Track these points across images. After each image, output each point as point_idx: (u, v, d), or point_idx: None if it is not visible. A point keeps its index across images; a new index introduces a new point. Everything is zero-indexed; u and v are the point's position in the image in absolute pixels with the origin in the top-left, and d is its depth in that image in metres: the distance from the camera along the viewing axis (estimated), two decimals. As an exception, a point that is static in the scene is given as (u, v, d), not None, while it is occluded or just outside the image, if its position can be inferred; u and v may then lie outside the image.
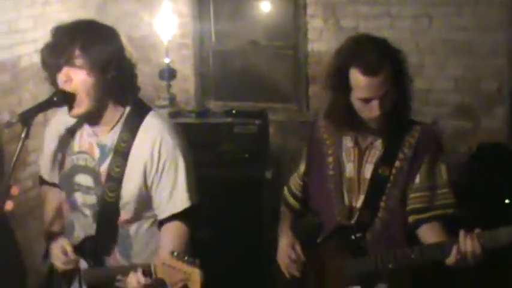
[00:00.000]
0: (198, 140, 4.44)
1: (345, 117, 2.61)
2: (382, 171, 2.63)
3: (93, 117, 2.61)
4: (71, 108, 2.53)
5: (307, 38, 5.36)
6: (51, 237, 2.81)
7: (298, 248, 2.85)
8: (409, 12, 5.08)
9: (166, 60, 5.06)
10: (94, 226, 2.70)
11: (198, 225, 2.71)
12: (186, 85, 5.64)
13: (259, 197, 4.53)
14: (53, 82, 2.56)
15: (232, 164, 4.56)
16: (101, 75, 2.50)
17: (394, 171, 2.62)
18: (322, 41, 5.23)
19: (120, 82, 2.56)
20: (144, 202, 2.63)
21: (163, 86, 5.12)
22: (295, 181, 2.99)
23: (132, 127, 2.61)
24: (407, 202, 2.63)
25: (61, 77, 2.49)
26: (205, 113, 4.91)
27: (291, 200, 3.01)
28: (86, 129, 2.68)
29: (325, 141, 2.80)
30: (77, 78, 2.47)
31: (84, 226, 2.73)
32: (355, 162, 2.69)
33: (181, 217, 2.61)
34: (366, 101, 2.52)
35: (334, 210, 2.72)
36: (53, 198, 2.93)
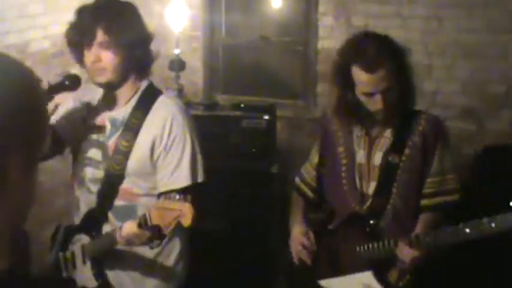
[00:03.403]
0: (205, 132, 4.42)
1: (352, 111, 2.74)
2: (392, 158, 2.74)
3: (112, 88, 2.72)
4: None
5: (317, 35, 5.36)
6: None
7: (311, 236, 2.95)
8: (419, 13, 5.08)
9: (176, 51, 5.07)
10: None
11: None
12: (194, 77, 5.66)
13: (266, 190, 4.55)
14: (79, 60, 2.69)
15: (239, 157, 4.57)
16: (127, 53, 2.62)
17: (404, 158, 2.74)
18: (332, 38, 5.23)
19: (143, 57, 2.70)
20: (148, 176, 2.71)
21: (172, 77, 5.13)
22: (308, 171, 3.08)
23: (145, 105, 2.72)
24: (423, 187, 2.76)
25: (90, 57, 2.61)
26: (213, 106, 4.93)
27: (305, 190, 3.09)
28: (99, 103, 2.80)
29: (336, 132, 2.90)
30: (105, 58, 2.60)
31: (88, 203, 2.80)
32: (366, 149, 2.79)
33: (180, 193, 2.68)
34: (369, 95, 2.63)
35: (348, 197, 2.82)
36: None
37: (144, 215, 2.38)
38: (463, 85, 5.08)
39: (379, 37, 2.72)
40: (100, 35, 2.57)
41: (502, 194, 4.25)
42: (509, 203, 4.16)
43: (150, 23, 5.44)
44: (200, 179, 2.74)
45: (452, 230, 2.48)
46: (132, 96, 2.74)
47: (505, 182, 4.30)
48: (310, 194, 3.08)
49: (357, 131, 2.82)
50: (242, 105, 4.77)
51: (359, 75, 2.62)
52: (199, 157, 2.74)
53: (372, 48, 2.60)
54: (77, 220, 2.85)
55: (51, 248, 2.87)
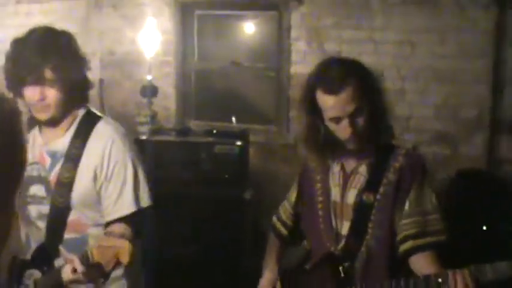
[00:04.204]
0: (177, 158, 4.43)
1: (322, 141, 2.59)
2: (366, 197, 2.57)
3: (53, 121, 2.65)
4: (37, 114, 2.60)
5: (290, 61, 5.36)
6: None
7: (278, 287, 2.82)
8: (392, 38, 5.11)
9: (149, 77, 5.03)
10: None
11: (144, 230, 2.74)
12: (166, 103, 5.62)
13: (239, 216, 4.52)
14: (18, 94, 2.58)
15: (211, 183, 4.54)
16: (70, 87, 2.58)
17: (378, 197, 2.56)
18: (305, 63, 5.22)
19: (83, 86, 2.68)
20: (94, 206, 2.66)
21: (144, 103, 5.09)
22: (285, 209, 2.95)
23: (84, 133, 2.66)
24: (398, 230, 2.54)
25: (34, 94, 2.54)
26: (186, 132, 4.89)
27: (281, 228, 2.96)
28: (38, 138, 2.72)
29: (314, 168, 2.75)
30: (50, 95, 2.55)
31: (38, 240, 2.72)
32: (340, 187, 2.64)
33: (125, 220, 2.64)
34: (337, 121, 2.49)
35: (323, 236, 2.67)
36: None
37: (86, 252, 2.32)
38: (436, 110, 5.09)
39: (343, 60, 2.61)
40: (48, 74, 2.51)
41: (476, 217, 4.26)
42: (482, 227, 4.17)
43: (122, 48, 5.47)
44: (145, 204, 2.69)
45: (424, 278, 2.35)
46: (70, 125, 2.68)
47: (478, 206, 4.31)
48: (284, 232, 2.96)
49: (334, 167, 2.67)
50: (214, 131, 4.74)
51: (323, 98, 2.48)
52: (142, 181, 2.69)
53: (334, 70, 2.48)
54: (29, 257, 2.76)
55: (8, 279, 2.80)
